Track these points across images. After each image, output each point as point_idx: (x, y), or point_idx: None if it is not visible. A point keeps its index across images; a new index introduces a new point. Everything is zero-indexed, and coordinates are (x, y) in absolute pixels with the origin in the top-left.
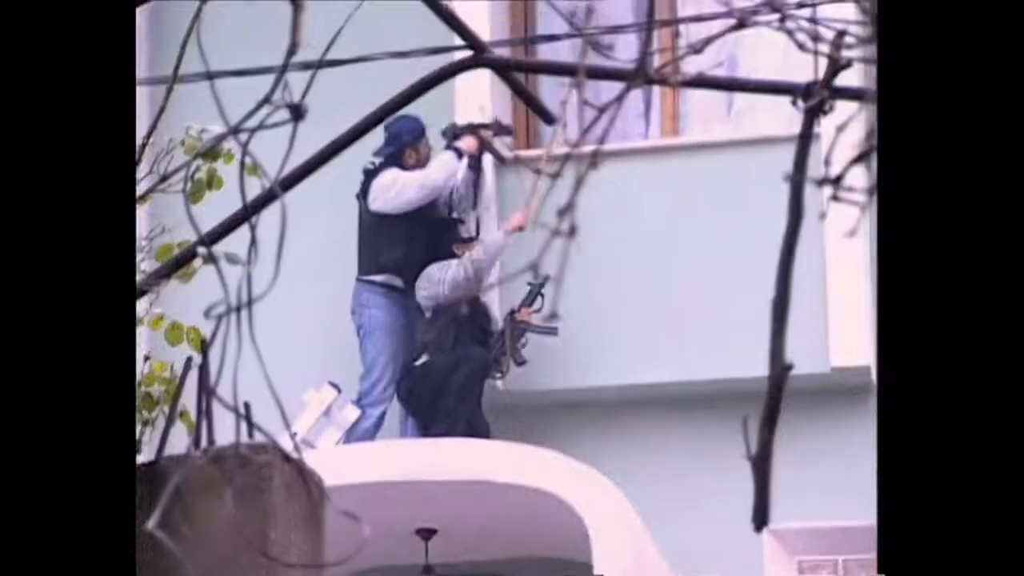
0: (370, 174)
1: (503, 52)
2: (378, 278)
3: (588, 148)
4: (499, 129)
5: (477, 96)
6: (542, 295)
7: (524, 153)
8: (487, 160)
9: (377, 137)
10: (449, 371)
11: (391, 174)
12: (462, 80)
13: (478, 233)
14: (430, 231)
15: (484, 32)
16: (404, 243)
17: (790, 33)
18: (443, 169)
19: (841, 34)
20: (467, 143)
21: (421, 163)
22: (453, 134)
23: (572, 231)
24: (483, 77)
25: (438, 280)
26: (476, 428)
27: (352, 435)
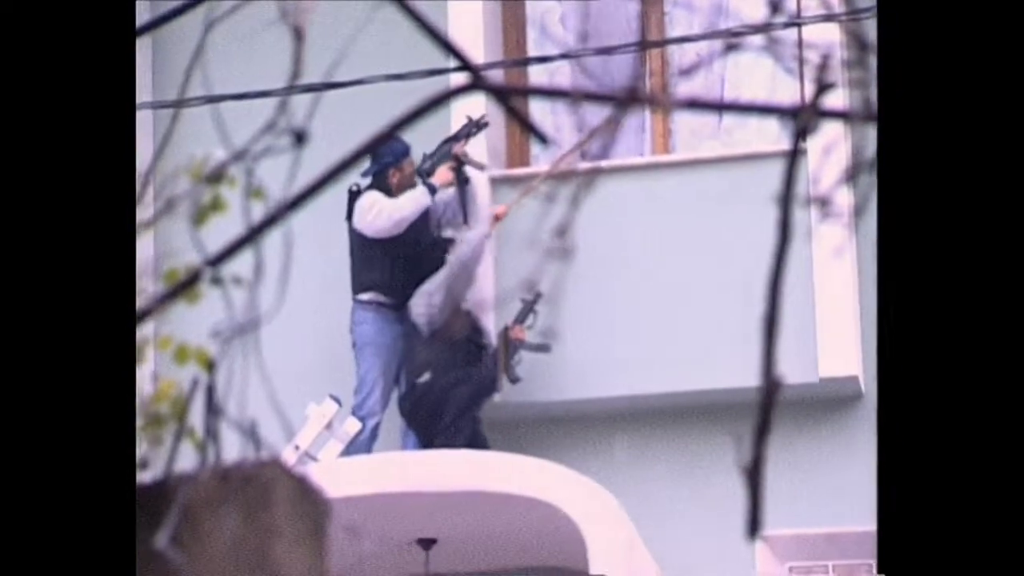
0: (353, 195)
1: (496, 74)
2: (365, 296)
3: (583, 166)
4: (475, 127)
5: (472, 116)
6: (535, 312)
7: (517, 171)
8: (480, 176)
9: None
10: (450, 389)
11: (370, 198)
12: (457, 102)
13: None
14: (417, 250)
15: (478, 53)
16: (388, 263)
17: (776, 57)
18: (412, 204)
19: (826, 57)
20: (440, 176)
21: (405, 182)
22: (427, 171)
23: (568, 252)
24: (478, 99)
25: (429, 292)
26: (475, 444)
27: (349, 448)
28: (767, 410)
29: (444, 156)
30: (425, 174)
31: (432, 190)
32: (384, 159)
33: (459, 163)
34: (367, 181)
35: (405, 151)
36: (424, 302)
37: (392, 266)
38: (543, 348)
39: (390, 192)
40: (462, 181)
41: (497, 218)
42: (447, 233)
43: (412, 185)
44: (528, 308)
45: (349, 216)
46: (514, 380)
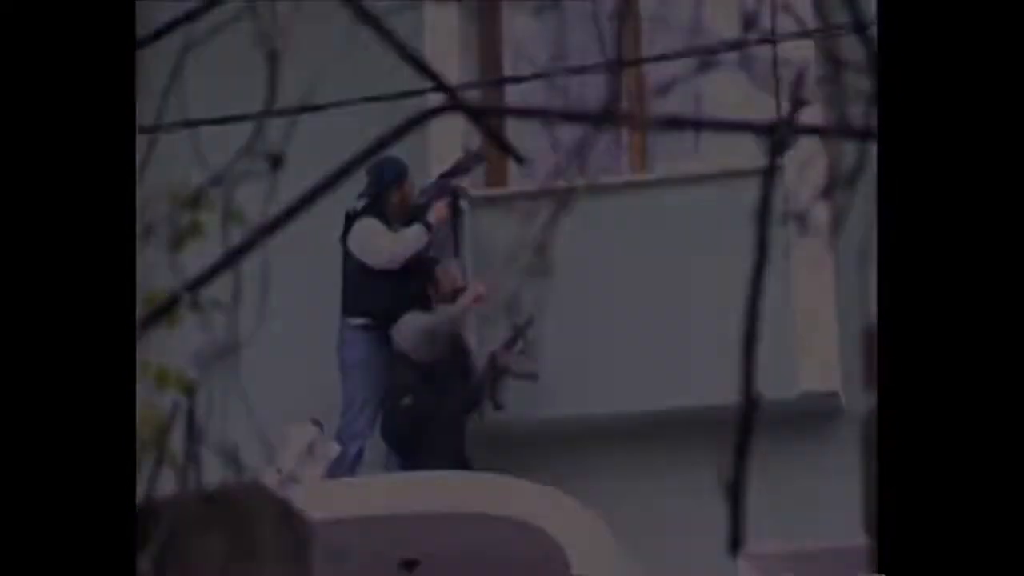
0: (350, 218)
1: (473, 94)
2: (357, 321)
3: (561, 186)
4: (474, 161)
5: (449, 136)
6: (525, 336)
7: (495, 191)
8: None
9: (360, 178)
10: (433, 413)
11: (370, 228)
12: (434, 122)
13: (464, 274)
14: (410, 277)
15: (453, 72)
16: (384, 291)
17: (751, 74)
18: (412, 243)
19: (801, 74)
20: (437, 213)
21: (406, 201)
22: (423, 206)
23: (547, 270)
24: (455, 119)
25: (405, 333)
26: (458, 466)
27: (333, 470)
28: (747, 426)
29: (442, 191)
30: (421, 210)
31: (429, 228)
32: (384, 180)
33: (456, 197)
34: (361, 204)
35: (404, 171)
36: (406, 333)
37: (386, 296)
38: (531, 377)
39: (388, 216)
40: (457, 213)
41: (478, 299)
42: (431, 253)
43: (411, 207)
44: (519, 333)
45: (343, 238)
46: (499, 407)
